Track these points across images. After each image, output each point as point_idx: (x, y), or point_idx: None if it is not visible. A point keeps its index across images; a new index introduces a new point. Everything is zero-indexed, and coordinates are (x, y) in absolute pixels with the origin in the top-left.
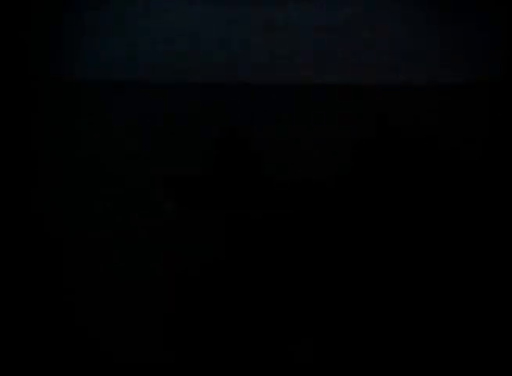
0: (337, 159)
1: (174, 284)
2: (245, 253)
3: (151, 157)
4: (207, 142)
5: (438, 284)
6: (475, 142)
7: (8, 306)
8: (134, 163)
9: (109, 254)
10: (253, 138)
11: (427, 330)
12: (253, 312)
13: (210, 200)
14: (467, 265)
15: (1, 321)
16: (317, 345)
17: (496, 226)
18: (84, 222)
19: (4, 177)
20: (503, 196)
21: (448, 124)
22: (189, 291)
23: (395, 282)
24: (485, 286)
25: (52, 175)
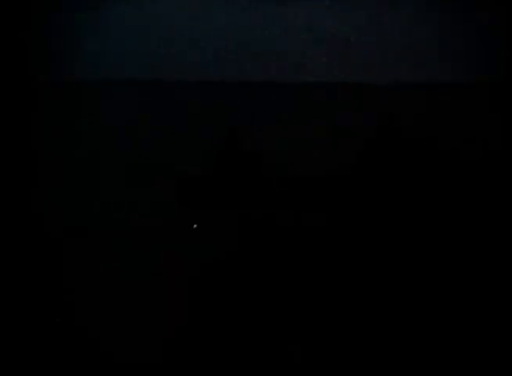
0: (337, 159)
1: (174, 285)
2: (245, 253)
3: (151, 156)
4: (207, 142)
5: (437, 286)
6: (475, 142)
7: (8, 306)
8: (134, 163)
9: (109, 254)
10: (253, 137)
11: (426, 332)
12: (253, 312)
13: (211, 200)
14: (467, 264)
15: (1, 321)
16: (318, 345)
17: (497, 225)
18: (84, 222)
19: (4, 177)
20: (504, 196)
21: (448, 124)
22: (190, 291)
23: (396, 282)
24: (485, 285)
25: (52, 175)
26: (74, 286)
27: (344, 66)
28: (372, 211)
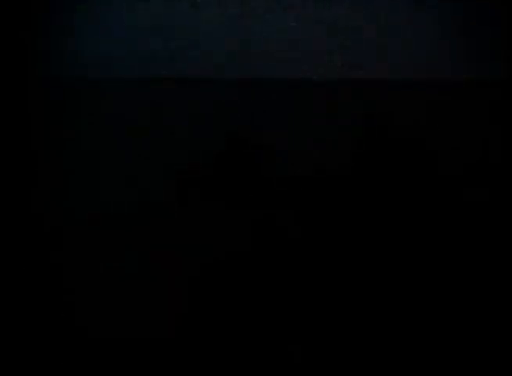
0: (338, 159)
1: (174, 285)
2: (245, 253)
3: (151, 156)
4: (207, 142)
5: (431, 283)
6: (475, 142)
7: (8, 306)
8: (134, 163)
9: (109, 254)
10: (253, 137)
11: (426, 331)
12: (254, 312)
13: (211, 201)
14: (460, 264)
15: (0, 321)
16: (318, 345)
17: (488, 225)
18: (84, 221)
19: (4, 177)
20: (500, 197)
21: (447, 124)
22: (190, 291)
23: (394, 279)
24: (474, 286)
25: (52, 175)
26: (74, 286)
27: (344, 65)
28: (368, 212)
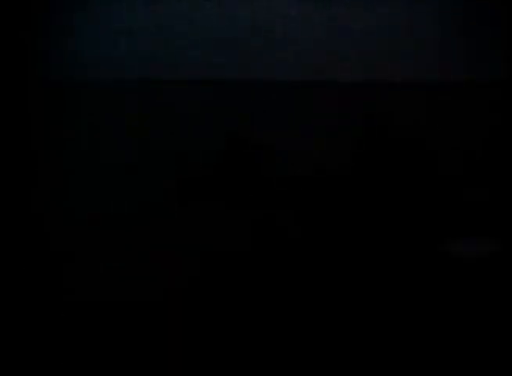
0: (338, 159)
1: (174, 285)
2: (245, 253)
3: (151, 157)
4: (207, 142)
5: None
6: (475, 142)
7: (7, 306)
8: (134, 162)
9: (109, 254)
10: (253, 137)
11: (425, 331)
12: (253, 311)
13: (211, 201)
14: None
15: (0, 322)
16: (317, 343)
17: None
18: (84, 222)
19: (4, 177)
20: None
21: (447, 124)
22: (190, 291)
23: (393, 280)
24: (474, 283)
25: (52, 175)
26: (74, 286)
27: (344, 66)
28: (368, 211)
